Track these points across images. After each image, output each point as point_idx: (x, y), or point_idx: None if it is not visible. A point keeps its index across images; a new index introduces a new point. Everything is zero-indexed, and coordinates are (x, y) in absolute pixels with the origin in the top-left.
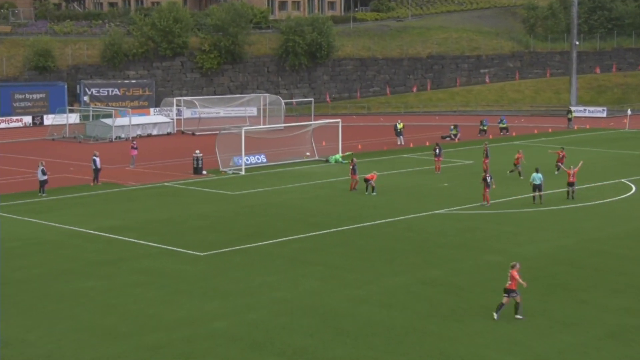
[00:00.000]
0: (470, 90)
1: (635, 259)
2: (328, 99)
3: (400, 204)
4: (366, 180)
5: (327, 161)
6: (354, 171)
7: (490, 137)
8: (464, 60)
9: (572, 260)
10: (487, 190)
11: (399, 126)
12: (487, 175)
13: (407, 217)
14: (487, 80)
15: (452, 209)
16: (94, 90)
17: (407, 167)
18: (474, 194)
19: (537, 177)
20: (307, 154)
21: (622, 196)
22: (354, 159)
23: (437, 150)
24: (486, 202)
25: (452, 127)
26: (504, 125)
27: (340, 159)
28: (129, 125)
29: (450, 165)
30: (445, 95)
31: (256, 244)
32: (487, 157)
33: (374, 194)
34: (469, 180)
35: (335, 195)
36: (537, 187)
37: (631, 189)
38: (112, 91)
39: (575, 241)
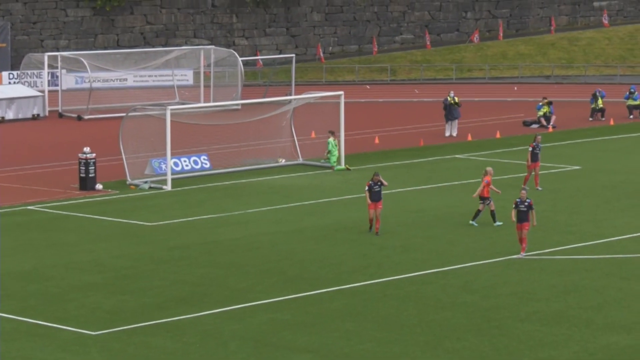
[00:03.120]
0: (574, 39)
1: None
2: (321, 56)
3: (450, 244)
4: (483, 199)
5: (331, 168)
6: (375, 194)
7: (611, 122)
8: None
9: None
10: (524, 228)
11: (452, 102)
12: (523, 198)
13: (462, 266)
14: (605, 22)
15: (543, 251)
16: None
17: (462, 177)
18: (582, 225)
19: None
20: (282, 160)
21: None
22: (377, 175)
23: (535, 148)
24: (521, 253)
25: (540, 103)
26: (636, 102)
27: (333, 161)
28: None
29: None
30: (530, 48)
31: (194, 315)
32: None
33: (498, 223)
34: (573, 200)
35: (334, 229)
36: None
37: None
38: None
39: None
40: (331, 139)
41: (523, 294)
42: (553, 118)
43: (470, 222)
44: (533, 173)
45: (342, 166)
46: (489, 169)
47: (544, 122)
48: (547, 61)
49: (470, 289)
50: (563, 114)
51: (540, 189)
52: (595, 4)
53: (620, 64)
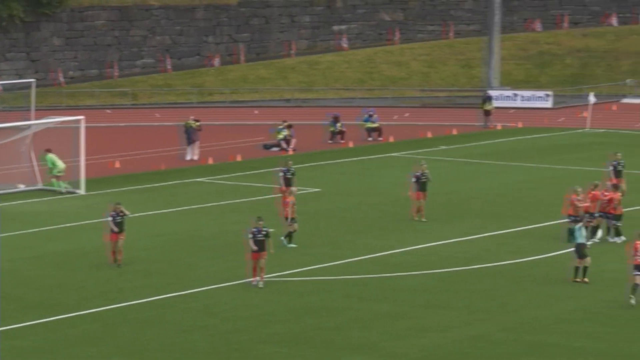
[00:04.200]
0: (314, 62)
1: (610, 355)
2: (61, 81)
3: (190, 268)
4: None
5: (65, 190)
6: (117, 225)
7: (351, 144)
8: (303, 10)
9: None
10: (262, 257)
11: (193, 125)
12: (261, 227)
13: (203, 289)
14: (344, 46)
15: (282, 273)
16: None
17: (203, 200)
18: (321, 247)
19: (579, 233)
20: (21, 186)
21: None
22: (119, 204)
23: (286, 173)
24: (260, 280)
25: (281, 126)
26: (374, 125)
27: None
28: None
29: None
30: (270, 72)
31: None
32: (422, 188)
33: (292, 245)
34: (313, 222)
35: (75, 254)
36: (581, 250)
37: (595, 232)
38: None
39: (499, 328)
40: (49, 155)
41: (263, 316)
42: (293, 141)
43: (288, 244)
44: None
45: (63, 184)
46: (293, 188)
47: (285, 145)
48: (287, 85)
49: (210, 312)
50: (303, 136)
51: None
52: (335, 27)
53: (359, 87)
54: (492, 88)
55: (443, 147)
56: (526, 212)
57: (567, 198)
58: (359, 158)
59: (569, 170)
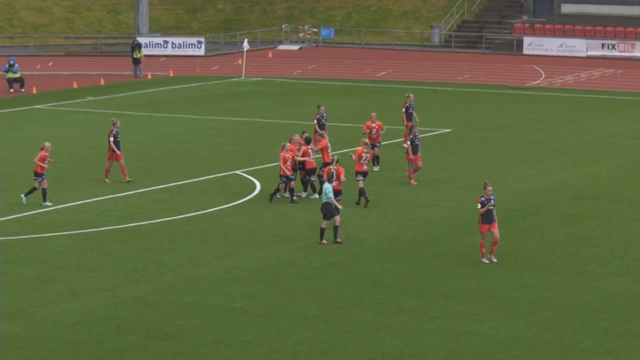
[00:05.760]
0: None
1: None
2: None
3: None
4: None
5: None
6: None
7: None
8: None
9: (149, 326)
10: None
11: None
12: None
13: None
14: None
15: None
16: None
17: None
18: None
19: (328, 190)
20: None
21: (239, 201)
22: None
23: None
24: None
25: None
26: (15, 75)
27: None
28: None
29: None
30: None
31: None
32: (119, 148)
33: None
34: None
35: None
36: (327, 210)
37: (254, 186)
38: None
39: (156, 289)
40: None
41: None
42: None
43: (22, 195)
44: None
45: None
46: (47, 144)
47: None
48: None
49: None
50: None
51: None
52: None
53: None
54: (141, 35)
55: (90, 98)
56: (181, 167)
57: (282, 155)
58: (1, 111)
59: (224, 121)
